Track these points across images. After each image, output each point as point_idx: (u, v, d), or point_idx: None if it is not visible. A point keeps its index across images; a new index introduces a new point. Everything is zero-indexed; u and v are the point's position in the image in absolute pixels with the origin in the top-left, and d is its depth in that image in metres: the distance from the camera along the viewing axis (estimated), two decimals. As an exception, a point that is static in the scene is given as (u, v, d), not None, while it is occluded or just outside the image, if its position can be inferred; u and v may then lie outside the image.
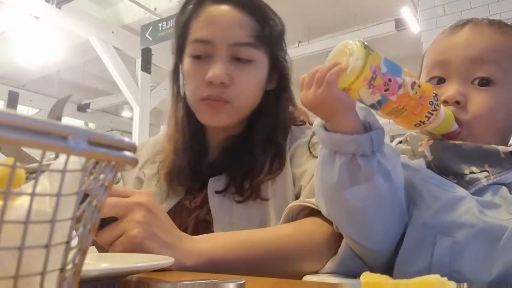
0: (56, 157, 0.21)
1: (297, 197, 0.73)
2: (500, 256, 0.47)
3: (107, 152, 0.19)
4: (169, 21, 4.70)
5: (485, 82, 0.57)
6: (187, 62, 0.78)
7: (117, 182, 0.95)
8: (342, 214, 0.54)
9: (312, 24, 5.78)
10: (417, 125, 0.54)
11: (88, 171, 0.20)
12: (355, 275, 0.55)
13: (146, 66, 5.49)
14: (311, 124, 0.83)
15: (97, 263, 0.46)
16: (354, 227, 0.54)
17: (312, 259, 0.61)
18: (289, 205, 0.66)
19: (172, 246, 0.56)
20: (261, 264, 0.59)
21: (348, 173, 0.49)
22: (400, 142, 0.64)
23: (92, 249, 0.59)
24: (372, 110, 0.52)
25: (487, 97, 0.56)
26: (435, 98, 0.53)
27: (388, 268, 0.53)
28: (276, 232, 0.64)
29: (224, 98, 0.74)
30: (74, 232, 0.20)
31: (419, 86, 0.52)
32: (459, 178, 0.54)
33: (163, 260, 0.45)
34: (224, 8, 0.76)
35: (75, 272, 0.21)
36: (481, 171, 0.54)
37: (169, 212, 0.78)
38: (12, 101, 6.72)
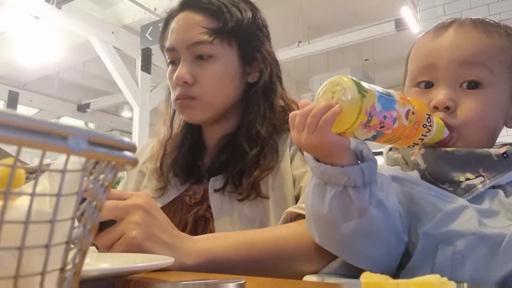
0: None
1: (297, 198, 0.73)
2: (500, 262, 0.47)
3: (107, 152, 0.19)
4: (169, 21, 4.69)
5: (473, 85, 0.56)
6: (168, 68, 0.84)
7: (121, 178, 1.00)
8: (335, 243, 0.54)
9: (312, 24, 5.78)
10: (411, 146, 0.54)
11: (88, 171, 0.20)
12: (355, 275, 0.55)
13: (146, 66, 5.48)
14: None
15: (97, 263, 0.46)
16: (349, 254, 0.54)
17: (312, 259, 0.61)
18: (287, 210, 0.66)
19: (171, 246, 0.56)
20: (262, 264, 0.60)
21: (339, 205, 0.48)
22: (391, 149, 0.63)
23: (92, 249, 0.60)
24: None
25: (477, 100, 0.55)
26: (429, 120, 0.52)
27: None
28: (276, 232, 0.64)
29: (190, 95, 0.78)
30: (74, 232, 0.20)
31: (413, 113, 0.50)
32: (455, 186, 0.54)
33: (163, 260, 0.45)
34: (182, 14, 0.81)
35: (75, 272, 0.21)
36: (476, 177, 0.53)
37: (169, 207, 0.79)
38: (12, 101, 6.72)
